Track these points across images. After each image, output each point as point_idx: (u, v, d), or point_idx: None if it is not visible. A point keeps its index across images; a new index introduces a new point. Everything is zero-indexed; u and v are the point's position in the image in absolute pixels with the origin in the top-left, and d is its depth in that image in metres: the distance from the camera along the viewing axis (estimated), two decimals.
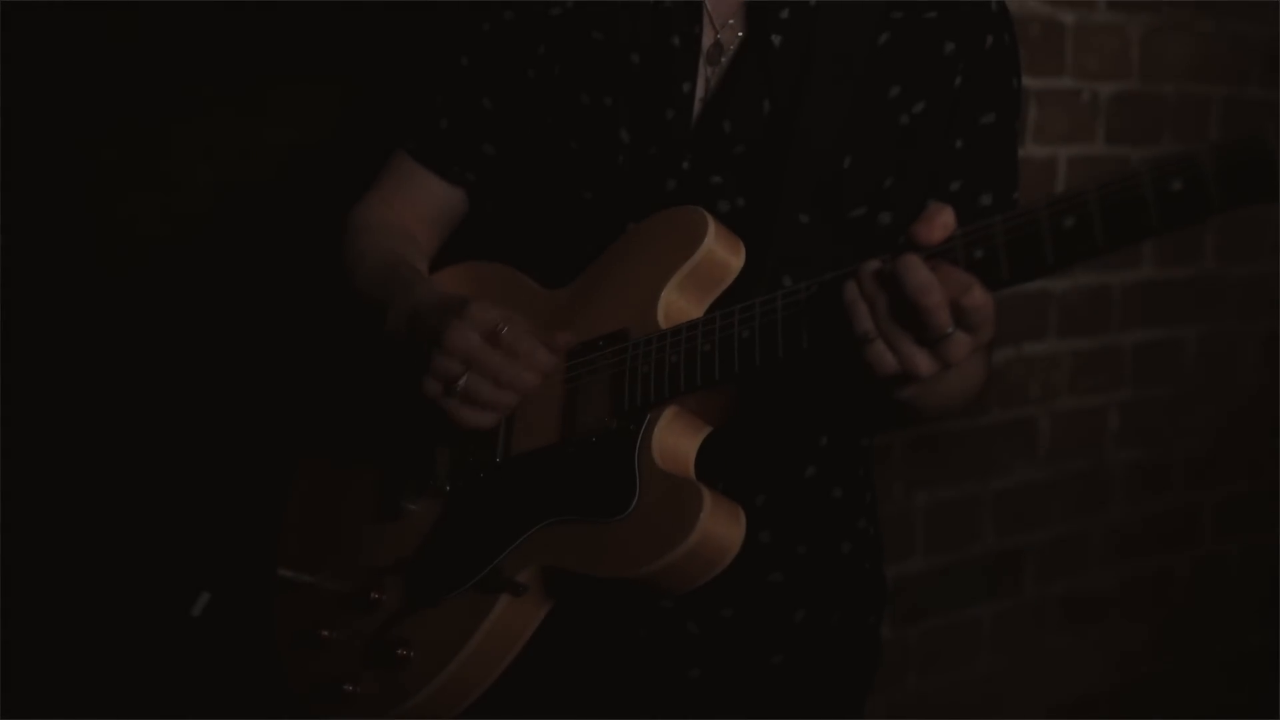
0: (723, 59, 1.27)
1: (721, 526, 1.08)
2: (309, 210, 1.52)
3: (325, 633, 1.26)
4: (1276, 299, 2.48)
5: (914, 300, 0.96)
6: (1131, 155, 2.20)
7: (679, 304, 1.18)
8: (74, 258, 2.25)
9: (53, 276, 2.47)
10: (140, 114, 2.10)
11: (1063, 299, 2.18)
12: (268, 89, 2.09)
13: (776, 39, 1.25)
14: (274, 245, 2.51)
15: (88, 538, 2.26)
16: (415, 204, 1.44)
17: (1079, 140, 2.12)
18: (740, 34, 1.27)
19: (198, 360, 2.18)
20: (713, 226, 1.17)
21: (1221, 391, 2.46)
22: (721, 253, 1.19)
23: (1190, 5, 2.22)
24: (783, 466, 1.28)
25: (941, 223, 0.99)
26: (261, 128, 2.43)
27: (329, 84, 2.39)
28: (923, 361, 0.99)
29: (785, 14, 1.26)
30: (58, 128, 2.34)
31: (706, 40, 1.28)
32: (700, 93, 1.27)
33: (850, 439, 1.35)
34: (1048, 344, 2.16)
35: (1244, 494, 2.56)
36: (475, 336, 1.15)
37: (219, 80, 2.09)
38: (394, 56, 2.24)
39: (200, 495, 2.06)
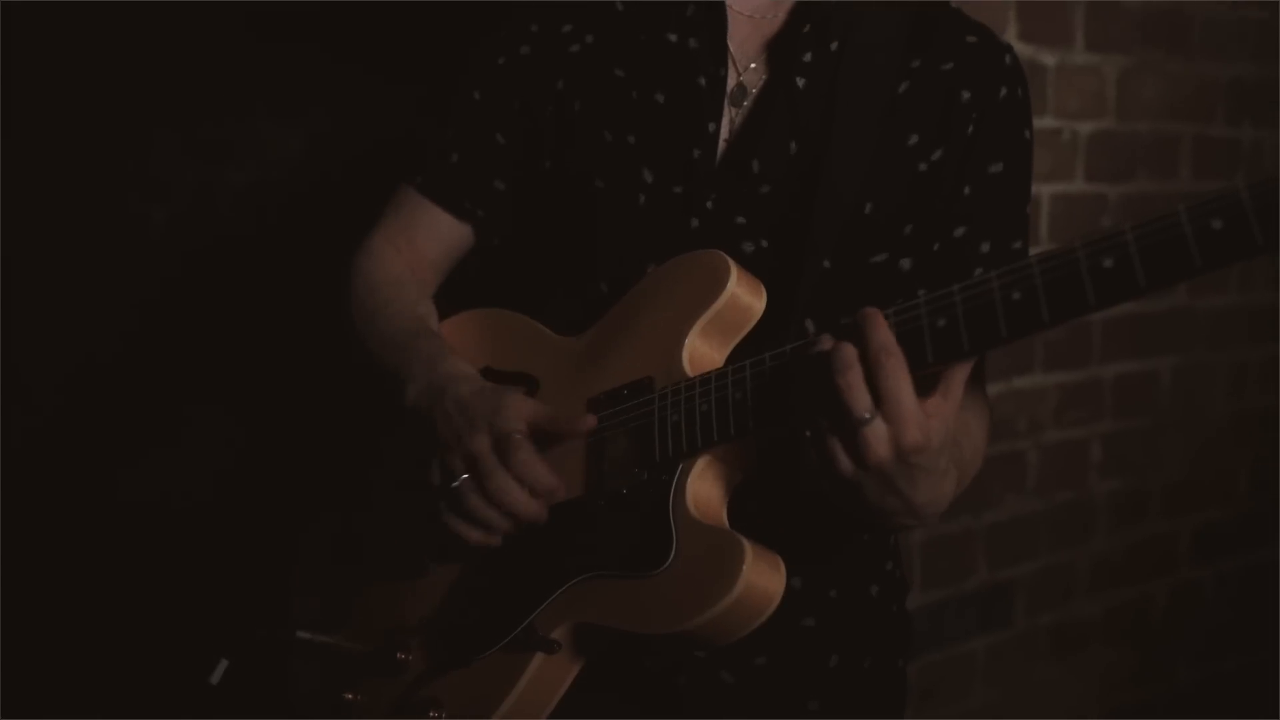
0: (746, 101, 1.28)
1: (763, 578, 1.07)
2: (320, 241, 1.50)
3: (349, 695, 1.23)
4: (1245, 330, 2.54)
5: (834, 375, 0.97)
6: (1109, 193, 2.24)
7: (703, 350, 1.17)
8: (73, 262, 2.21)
9: (52, 286, 2.43)
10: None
11: (1048, 332, 2.22)
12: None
13: (801, 81, 1.26)
14: (286, 272, 2.48)
15: (88, 539, 2.21)
16: (421, 242, 1.42)
17: (1060, 178, 2.16)
18: (764, 76, 1.28)
19: (208, 377, 2.15)
20: (735, 271, 1.17)
21: (1194, 421, 2.51)
22: (745, 297, 1.18)
23: (1161, 47, 2.28)
24: (813, 512, 1.28)
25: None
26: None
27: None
28: (839, 454, 0.98)
29: (808, 58, 1.27)
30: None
31: (731, 81, 1.28)
32: (725, 133, 1.27)
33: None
34: (1034, 378, 2.19)
35: (1216, 521, 2.61)
36: (489, 445, 1.12)
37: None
38: (399, 85, 2.23)
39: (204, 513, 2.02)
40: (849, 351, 0.97)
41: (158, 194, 2.99)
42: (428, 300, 1.38)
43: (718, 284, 1.17)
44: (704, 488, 1.13)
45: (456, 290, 1.47)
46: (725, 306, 1.17)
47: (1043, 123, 2.12)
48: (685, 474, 1.12)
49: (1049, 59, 2.10)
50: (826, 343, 1.00)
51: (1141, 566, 2.47)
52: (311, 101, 2.44)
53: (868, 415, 0.96)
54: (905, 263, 1.27)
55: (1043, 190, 2.13)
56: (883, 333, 0.97)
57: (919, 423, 0.97)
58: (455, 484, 1.12)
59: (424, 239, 1.42)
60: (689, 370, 1.15)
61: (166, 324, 2.87)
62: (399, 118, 1.99)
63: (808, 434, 1.00)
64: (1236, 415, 2.58)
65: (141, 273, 3.00)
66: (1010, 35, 2.03)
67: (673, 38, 1.31)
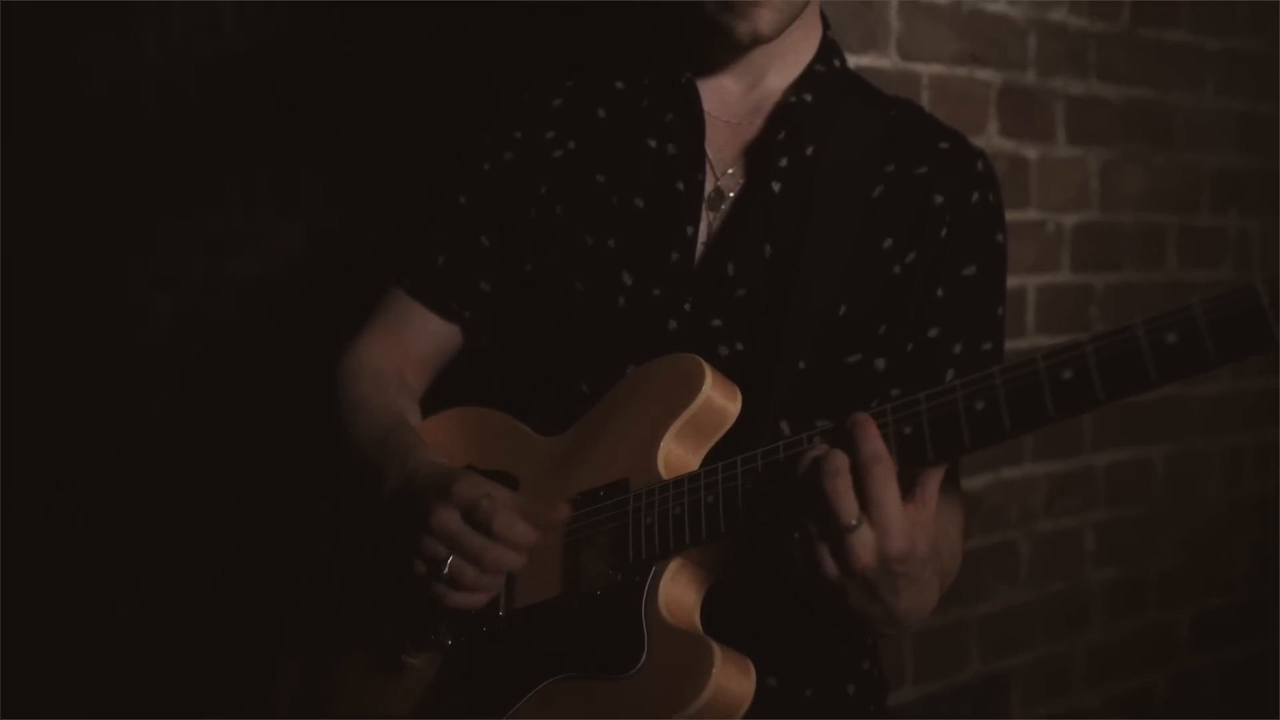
0: (723, 205, 1.32)
1: (732, 681, 1.08)
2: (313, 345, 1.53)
3: None
4: (1239, 417, 2.55)
5: (821, 482, 0.98)
6: (1095, 283, 2.27)
7: (678, 453, 1.20)
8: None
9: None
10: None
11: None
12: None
13: (776, 186, 1.29)
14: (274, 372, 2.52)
15: (93, 635, 2.21)
16: (408, 342, 1.45)
17: (1046, 270, 2.19)
18: (741, 180, 1.32)
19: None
20: (710, 375, 1.19)
21: (1189, 509, 2.50)
22: (720, 400, 1.20)
23: (1143, 139, 2.32)
24: (789, 612, 1.28)
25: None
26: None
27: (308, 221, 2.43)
28: (825, 560, 0.99)
29: (784, 163, 1.30)
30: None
31: (708, 186, 1.32)
32: (703, 237, 1.31)
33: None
34: (1025, 468, 2.20)
35: (1216, 609, 2.59)
36: (458, 518, 1.14)
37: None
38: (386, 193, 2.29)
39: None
40: (839, 458, 0.99)
41: (164, 285, 3.05)
42: (408, 396, 1.40)
43: (692, 388, 1.19)
44: (676, 590, 1.14)
45: (443, 388, 1.50)
46: (700, 410, 1.19)
47: (1026, 215, 2.15)
48: (658, 577, 1.14)
49: (1031, 152, 2.14)
50: (815, 448, 1.01)
51: (1140, 656, 2.44)
52: (312, 196, 2.50)
53: (854, 522, 0.97)
54: (879, 363, 1.29)
55: (1028, 282, 2.16)
56: (875, 441, 0.99)
57: (904, 531, 0.98)
58: (445, 570, 1.14)
59: (412, 339, 1.45)
60: (664, 473, 1.17)
61: (173, 418, 2.91)
62: (398, 215, 2.04)
63: (795, 537, 1.01)
64: (1233, 502, 2.57)
65: (150, 364, 3.05)
66: (991, 130, 2.07)
67: (652, 143, 1.35)
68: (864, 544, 0.97)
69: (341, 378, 1.42)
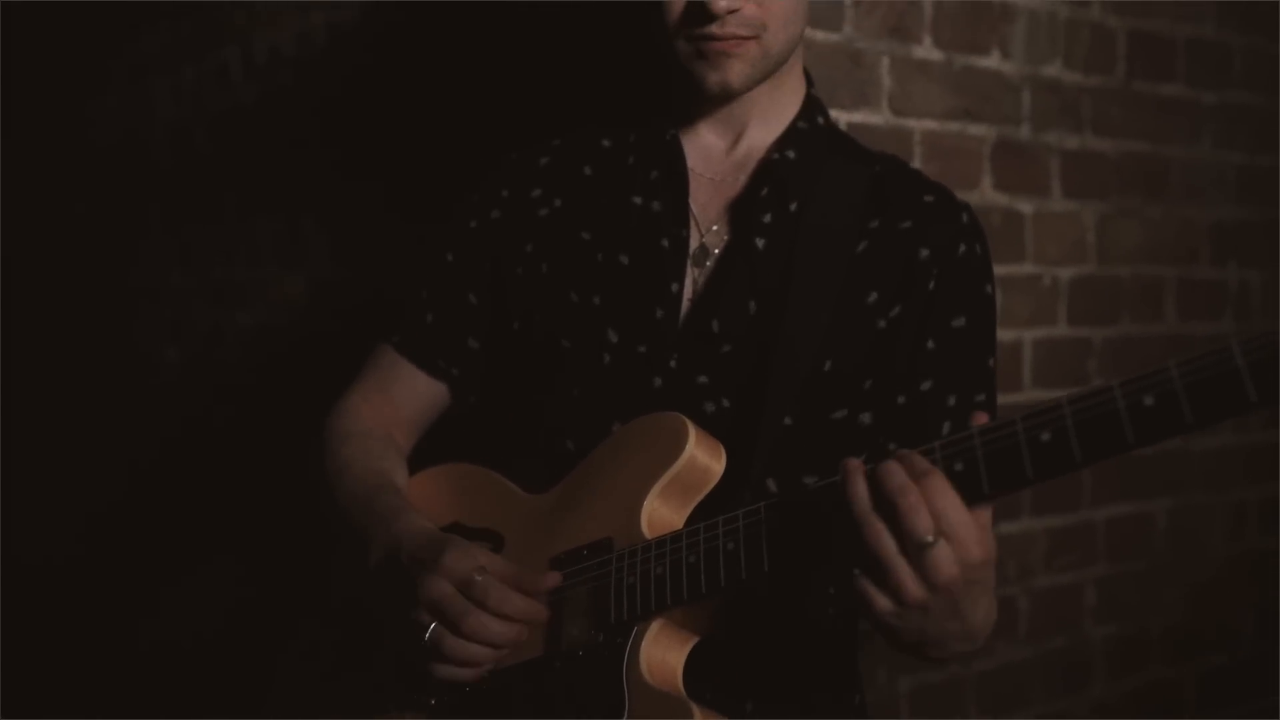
0: (708, 261, 1.32)
1: None
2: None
3: None
4: (1241, 471, 2.53)
5: (892, 500, 0.96)
6: (1093, 336, 2.27)
7: (662, 512, 1.19)
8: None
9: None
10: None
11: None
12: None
13: (760, 242, 1.30)
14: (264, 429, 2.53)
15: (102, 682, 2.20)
16: (397, 400, 1.45)
17: (1042, 323, 2.19)
18: (725, 237, 1.32)
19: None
20: (693, 433, 1.19)
21: (1192, 564, 2.48)
22: (703, 458, 1.20)
23: (1139, 193, 2.32)
24: (770, 671, 1.28)
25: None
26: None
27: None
28: (909, 582, 0.97)
29: (768, 219, 1.31)
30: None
31: (693, 242, 1.33)
32: (688, 293, 1.31)
33: (839, 643, 1.35)
34: (1022, 523, 2.18)
35: (1222, 666, 2.56)
36: (450, 590, 1.13)
37: None
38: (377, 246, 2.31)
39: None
40: (899, 474, 0.97)
41: (174, 334, 3.08)
42: (394, 454, 1.40)
43: (676, 446, 1.19)
44: (658, 651, 1.14)
45: (432, 443, 1.50)
46: (684, 468, 1.19)
47: (1022, 269, 2.15)
48: (639, 638, 1.14)
49: (1025, 206, 2.15)
50: (858, 478, 0.99)
51: (1144, 714, 2.41)
52: (317, 246, 2.52)
53: (931, 538, 0.95)
54: (865, 417, 1.29)
55: (1024, 335, 2.15)
56: (922, 460, 0.98)
57: (978, 537, 0.97)
58: (426, 636, 1.13)
59: (401, 396, 1.45)
60: (647, 532, 1.17)
61: (179, 463, 2.92)
62: (397, 266, 2.05)
63: (856, 575, 0.99)
64: (1237, 557, 2.55)
65: (159, 411, 3.07)
66: (985, 185, 2.08)
67: (638, 200, 1.36)
68: (945, 557, 0.96)
69: (329, 438, 1.42)
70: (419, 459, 1.46)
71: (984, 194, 2.08)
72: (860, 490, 0.99)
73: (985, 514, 1.00)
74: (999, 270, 2.15)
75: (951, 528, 0.96)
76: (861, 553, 0.98)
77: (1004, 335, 2.12)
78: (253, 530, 2.58)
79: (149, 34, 3.06)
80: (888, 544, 0.97)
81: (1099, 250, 2.26)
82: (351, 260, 2.42)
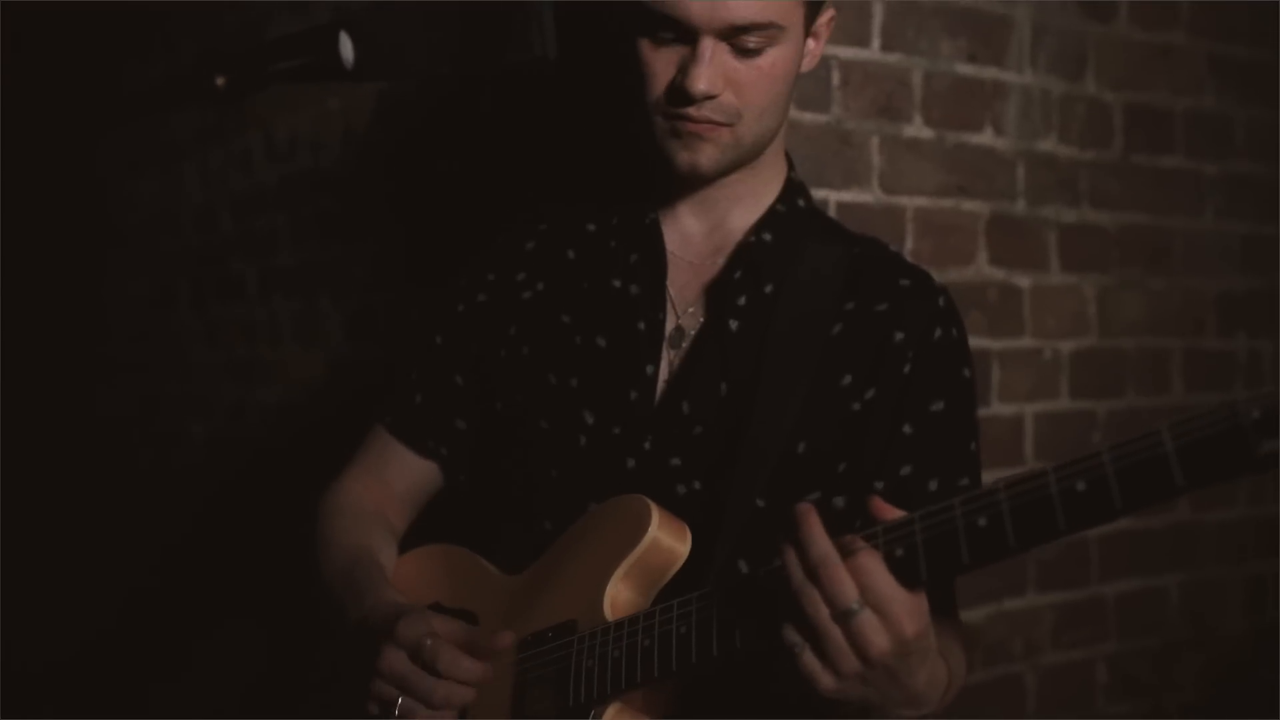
0: (684, 343, 1.35)
1: None
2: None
3: None
4: (1255, 543, 2.48)
5: (815, 569, 0.99)
6: (1096, 409, 2.25)
7: (625, 595, 1.21)
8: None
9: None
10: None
11: (1039, 552, 2.19)
12: None
13: (734, 324, 1.32)
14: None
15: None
16: (390, 479, 1.49)
17: (1044, 397, 2.18)
18: (701, 319, 1.35)
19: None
20: (656, 516, 1.21)
21: (1209, 639, 2.42)
22: (667, 540, 1.22)
23: (1138, 264, 2.32)
24: None
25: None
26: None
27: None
28: (844, 653, 0.99)
29: (742, 301, 1.33)
30: None
31: (669, 325, 1.35)
32: (664, 375, 1.34)
33: None
34: (1028, 598, 2.16)
35: None
36: (404, 659, 1.16)
37: None
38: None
39: None
40: (825, 546, 1.00)
41: (200, 410, 3.15)
42: (383, 533, 1.43)
43: (639, 529, 1.21)
44: None
45: (427, 521, 1.53)
46: (647, 551, 1.21)
47: (1021, 343, 2.15)
48: None
49: (1023, 281, 2.15)
50: (790, 550, 1.02)
51: None
52: (331, 327, 2.58)
53: (855, 606, 0.98)
54: (839, 501, 1.30)
55: (1025, 409, 2.15)
56: (855, 540, 1.02)
57: (912, 610, 0.99)
58: (396, 712, 1.16)
59: (393, 476, 1.49)
60: (609, 615, 1.19)
61: (203, 537, 2.97)
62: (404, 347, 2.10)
63: (794, 651, 1.01)
64: (1256, 632, 2.49)
65: (185, 486, 3.13)
66: (981, 260, 2.09)
67: (617, 284, 1.39)
68: (873, 628, 0.98)
69: (321, 515, 1.46)
70: (415, 536, 1.49)
71: (980, 269, 2.09)
72: (794, 560, 1.01)
73: (921, 593, 1.01)
74: (996, 345, 2.18)
75: (880, 602, 0.98)
76: (801, 621, 1.00)
77: (1004, 409, 2.12)
78: (274, 602, 2.61)
79: (180, 121, 3.18)
80: (821, 611, 0.99)
81: (1101, 323, 2.26)
82: (365, 339, 2.48)
